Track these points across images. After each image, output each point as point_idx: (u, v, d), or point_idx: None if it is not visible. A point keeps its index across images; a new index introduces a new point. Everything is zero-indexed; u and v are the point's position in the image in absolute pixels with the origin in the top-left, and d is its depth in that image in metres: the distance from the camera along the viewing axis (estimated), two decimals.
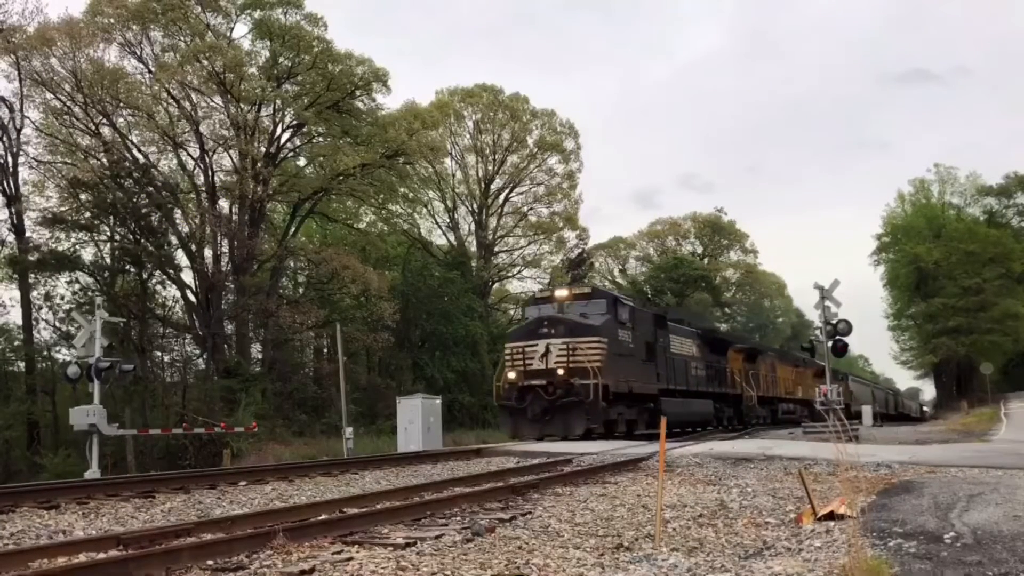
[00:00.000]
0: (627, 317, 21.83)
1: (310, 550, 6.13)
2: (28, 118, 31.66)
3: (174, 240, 33.19)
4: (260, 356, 35.91)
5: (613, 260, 70.70)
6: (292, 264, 38.87)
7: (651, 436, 20.55)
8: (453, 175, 48.53)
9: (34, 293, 31.94)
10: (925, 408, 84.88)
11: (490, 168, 48.65)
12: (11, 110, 31.30)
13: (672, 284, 64.85)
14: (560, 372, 19.38)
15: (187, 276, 33.95)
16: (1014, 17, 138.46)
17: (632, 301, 24.21)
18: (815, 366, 45.82)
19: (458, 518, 7.81)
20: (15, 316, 32.48)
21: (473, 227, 49.23)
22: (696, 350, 27.63)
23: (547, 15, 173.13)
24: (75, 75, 29.88)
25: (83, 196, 31.18)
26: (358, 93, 34.32)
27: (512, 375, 20.13)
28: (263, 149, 33.25)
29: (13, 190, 31.21)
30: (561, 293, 21.75)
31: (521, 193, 50.18)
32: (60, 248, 31.83)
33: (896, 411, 62.93)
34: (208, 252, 33.02)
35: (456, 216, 49.17)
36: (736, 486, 10.31)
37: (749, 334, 62.18)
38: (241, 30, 33.85)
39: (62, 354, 32.30)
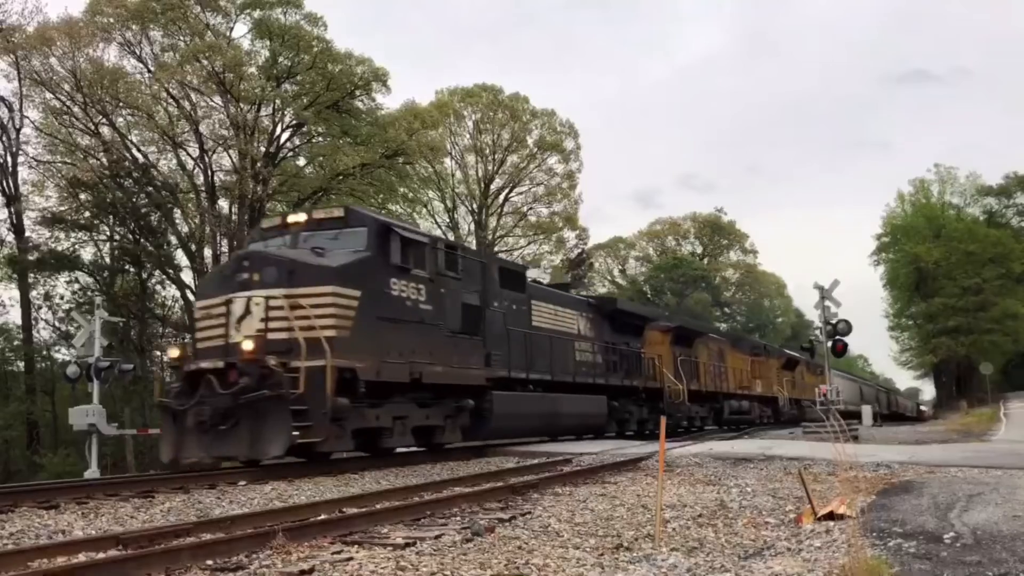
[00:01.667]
0: (416, 260, 13.73)
1: (310, 550, 6.13)
2: (28, 118, 31.71)
3: (174, 240, 33.21)
4: None
5: (613, 260, 70.78)
6: None
7: (473, 449, 16.09)
8: (453, 175, 48.54)
9: (33, 293, 31.98)
10: (923, 407, 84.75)
11: (490, 168, 48.65)
12: (11, 110, 31.35)
13: (672, 284, 64.93)
14: (248, 347, 11.41)
15: (187, 276, 33.99)
16: (1014, 17, 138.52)
17: (430, 239, 14.86)
18: (781, 355, 41.38)
19: (458, 518, 7.81)
20: (15, 316, 32.52)
21: (473, 227, 49.19)
22: (586, 326, 20.55)
23: (547, 15, 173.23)
24: (75, 75, 29.88)
25: (83, 196, 31.19)
26: (358, 93, 34.32)
27: (175, 352, 13.56)
28: (263, 149, 33.22)
29: (13, 190, 31.23)
30: (296, 218, 13.73)
31: (521, 193, 50.22)
32: (60, 248, 31.85)
33: (890, 410, 62.33)
34: (208, 252, 33.03)
35: (456, 216, 49.19)
36: (736, 486, 10.31)
37: (741, 330, 60.71)
38: (241, 30, 33.86)
39: (61, 354, 32.36)
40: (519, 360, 16.75)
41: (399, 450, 16.02)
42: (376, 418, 12.89)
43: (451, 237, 48.08)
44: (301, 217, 13.74)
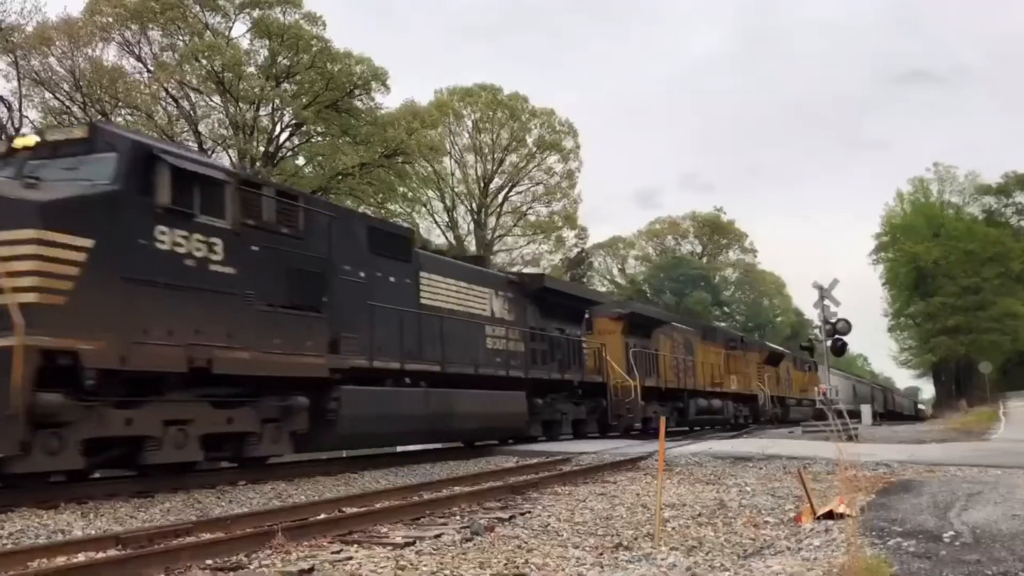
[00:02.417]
0: (206, 202, 10.36)
1: (309, 549, 6.13)
2: (27, 117, 31.62)
3: None
4: None
5: (612, 259, 70.74)
6: None
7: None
8: (452, 174, 48.54)
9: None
10: (921, 406, 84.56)
11: (489, 167, 48.65)
12: (9, 109, 31.28)
13: (671, 283, 64.91)
14: None
15: None
16: (1013, 17, 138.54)
17: (229, 174, 11.20)
18: (762, 349, 38.37)
19: (457, 517, 7.81)
20: None
21: (472, 226, 49.21)
22: (503, 307, 17.35)
23: (547, 15, 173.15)
24: (74, 74, 29.87)
25: None
26: (357, 92, 34.29)
27: None
28: (262, 148, 33.22)
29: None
30: (25, 141, 10.20)
31: (520, 192, 50.23)
32: None
33: (886, 409, 61.82)
34: None
35: (455, 215, 49.20)
36: (735, 485, 10.31)
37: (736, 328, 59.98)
38: (240, 29, 33.80)
39: None
40: (391, 346, 13.16)
41: (400, 449, 16.06)
42: (127, 423, 9.31)
43: (450, 236, 48.19)
44: (31, 140, 10.18)
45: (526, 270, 49.16)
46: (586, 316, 21.80)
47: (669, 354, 25.87)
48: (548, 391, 18.46)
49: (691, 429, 27.78)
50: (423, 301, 14.63)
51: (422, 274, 14.76)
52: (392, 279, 13.85)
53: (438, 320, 14.77)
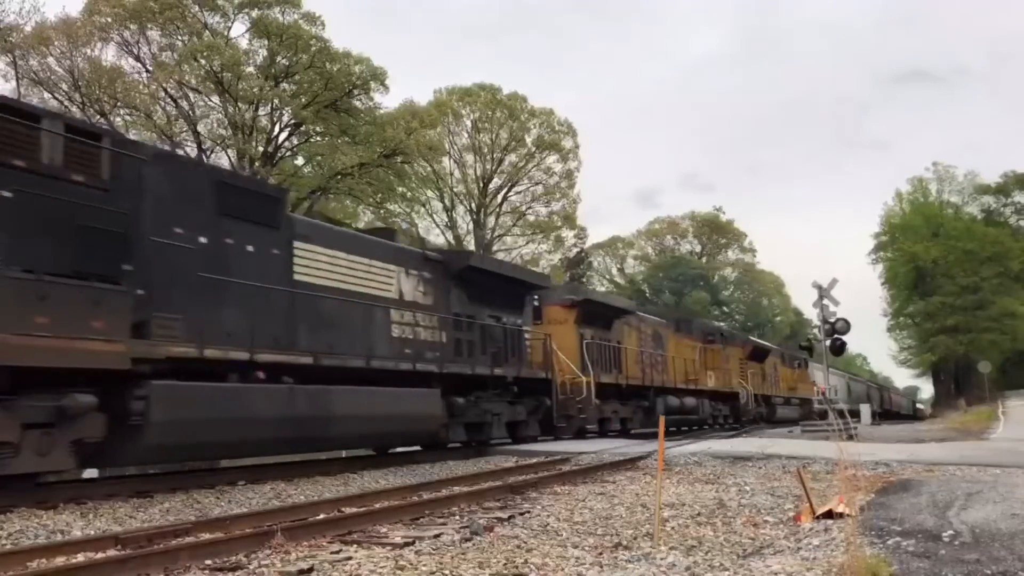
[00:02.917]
0: None
1: (309, 549, 6.13)
2: None
3: None
4: None
5: (611, 259, 70.75)
6: None
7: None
8: (451, 174, 48.51)
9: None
10: (920, 405, 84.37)
11: (488, 167, 48.63)
12: None
13: (670, 283, 64.92)
14: None
15: None
16: (1013, 17, 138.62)
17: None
18: (745, 343, 35.45)
19: (457, 517, 7.81)
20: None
21: (471, 226, 49.19)
22: (416, 289, 14.82)
23: (547, 14, 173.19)
24: (72, 74, 29.85)
25: None
26: (356, 92, 34.25)
27: None
28: (261, 148, 33.19)
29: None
30: None
31: (519, 192, 50.19)
32: None
33: (883, 408, 61.24)
34: None
35: (454, 215, 49.18)
36: (735, 485, 10.32)
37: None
38: (239, 29, 33.76)
39: None
40: (241, 331, 10.59)
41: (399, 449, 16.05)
42: None
43: (449, 236, 48.16)
44: None
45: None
46: (534, 303, 19.73)
47: (634, 347, 23.34)
48: (476, 388, 15.92)
49: (676, 431, 25.79)
50: (298, 277, 11.99)
51: (297, 244, 12.10)
52: (251, 248, 11.23)
53: (319, 301, 12.21)
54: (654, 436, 21.60)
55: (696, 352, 28.61)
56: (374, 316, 13.54)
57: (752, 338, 39.41)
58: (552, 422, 18.50)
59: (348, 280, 13.14)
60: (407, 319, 14.37)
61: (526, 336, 18.60)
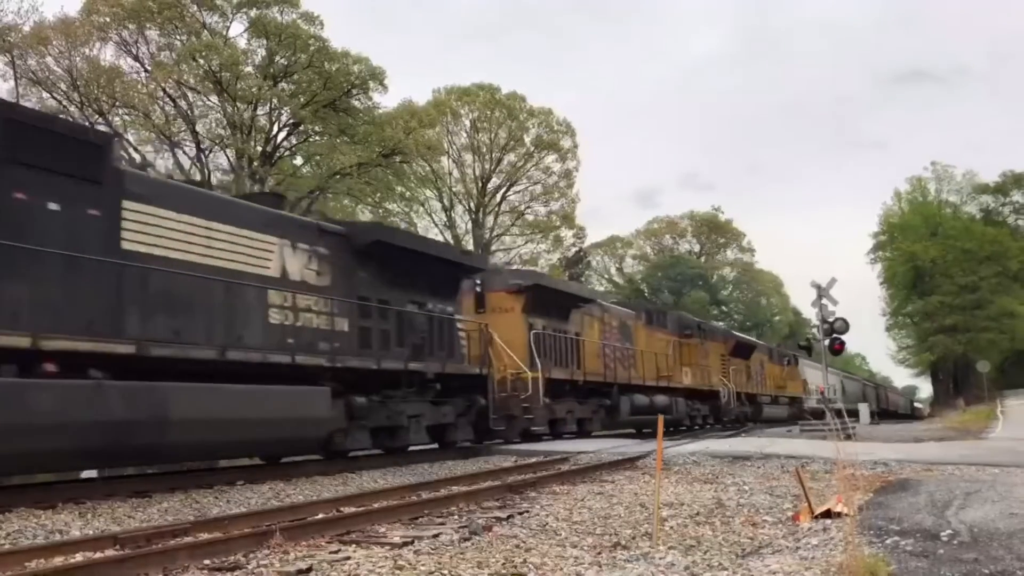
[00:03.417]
0: None
1: (307, 549, 6.13)
2: None
3: None
4: None
5: (610, 259, 70.79)
6: None
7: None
8: (450, 174, 48.51)
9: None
10: (918, 404, 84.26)
11: (487, 167, 48.64)
12: None
13: (669, 283, 64.94)
14: None
15: None
16: (1013, 17, 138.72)
17: None
18: (728, 338, 33.57)
19: (455, 517, 7.81)
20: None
21: (470, 226, 49.21)
22: (308, 266, 12.47)
23: (546, 14, 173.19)
24: (71, 74, 29.83)
25: None
26: (355, 92, 34.25)
27: None
28: (259, 148, 33.18)
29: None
30: None
31: (518, 192, 50.21)
32: None
33: (880, 407, 60.44)
34: None
35: (453, 215, 49.19)
36: (733, 484, 10.32)
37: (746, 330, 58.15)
38: (237, 29, 33.76)
39: None
40: (31, 310, 8.55)
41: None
42: None
43: (448, 236, 48.23)
44: None
45: (525, 269, 48.13)
46: (476, 290, 17.80)
47: (596, 340, 21.16)
48: (388, 386, 13.71)
49: (643, 430, 22.74)
50: (129, 246, 9.73)
51: (129, 205, 9.82)
52: (55, 206, 8.95)
53: (159, 277, 9.96)
54: (618, 437, 20.85)
55: (670, 346, 26.27)
56: (243, 298, 10.97)
57: (736, 333, 37.59)
58: (479, 429, 16.31)
59: (206, 253, 10.69)
60: (292, 303, 11.87)
61: (459, 326, 16.24)
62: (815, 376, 44.90)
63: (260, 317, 11.37)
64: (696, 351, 28.20)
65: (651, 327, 25.89)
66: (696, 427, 27.73)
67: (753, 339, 40.38)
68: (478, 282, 17.96)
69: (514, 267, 37.89)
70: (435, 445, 15.51)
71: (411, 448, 15.05)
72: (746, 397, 33.66)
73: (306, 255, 12.50)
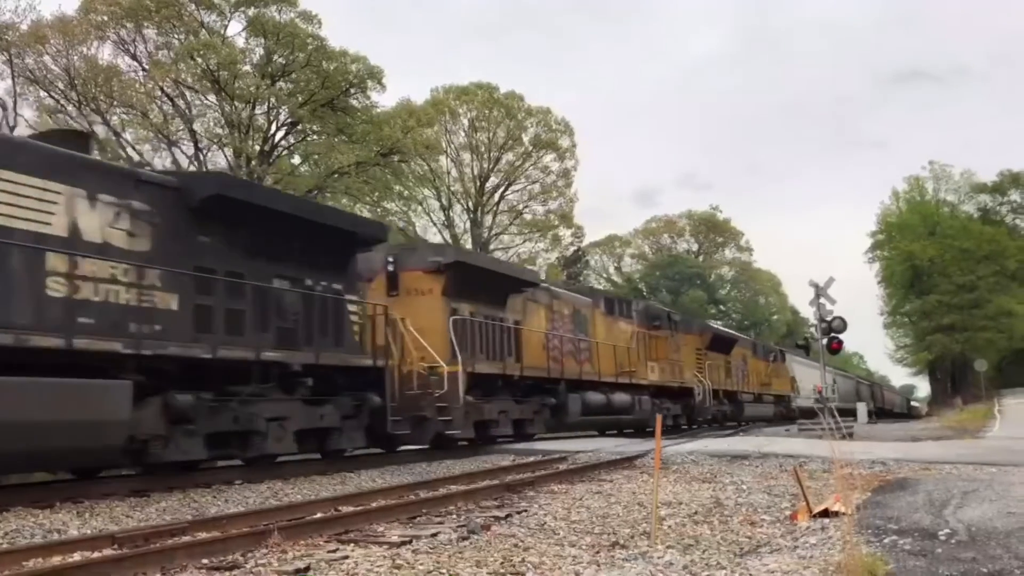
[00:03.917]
0: None
1: (305, 548, 6.13)
2: (21, 116, 31.55)
3: None
4: None
5: (609, 258, 70.84)
6: None
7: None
8: (448, 173, 48.49)
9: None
10: (915, 403, 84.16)
11: (485, 166, 48.63)
12: (4, 108, 31.19)
13: (667, 282, 65.00)
14: None
15: None
16: (1012, 17, 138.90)
17: None
18: (704, 330, 30.92)
19: (454, 516, 7.81)
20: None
21: (468, 225, 49.20)
22: (116, 224, 9.75)
23: (545, 14, 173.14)
24: (68, 73, 29.81)
25: None
26: (353, 91, 34.25)
27: None
28: (257, 147, 33.16)
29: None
30: None
31: (516, 191, 50.23)
32: None
33: (875, 406, 60.28)
34: None
35: (451, 214, 49.17)
36: (731, 483, 10.33)
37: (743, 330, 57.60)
38: (235, 28, 33.75)
39: None
40: None
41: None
42: None
43: (447, 235, 48.23)
44: None
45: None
46: (389, 268, 15.43)
47: (540, 329, 18.64)
48: (234, 381, 10.95)
49: (602, 434, 21.13)
50: None
51: None
52: None
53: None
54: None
55: (634, 339, 23.51)
56: (3, 263, 8.45)
57: (713, 325, 34.80)
58: (378, 434, 13.59)
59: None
60: (87, 271, 9.18)
61: (351, 309, 13.27)
62: (804, 373, 43.91)
63: (31, 288, 8.63)
64: (666, 344, 25.57)
65: (612, 316, 22.97)
66: (666, 428, 25.41)
67: (734, 332, 38.54)
68: (390, 259, 15.59)
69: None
70: (317, 456, 12.95)
71: (402, 449, 14.88)
72: (725, 395, 31.51)
73: (112, 211, 9.65)
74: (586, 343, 20.83)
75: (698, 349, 29.12)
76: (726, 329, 38.32)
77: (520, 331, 17.89)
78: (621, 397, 21.81)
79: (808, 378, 43.36)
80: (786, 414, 39.00)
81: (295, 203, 14.11)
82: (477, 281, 16.49)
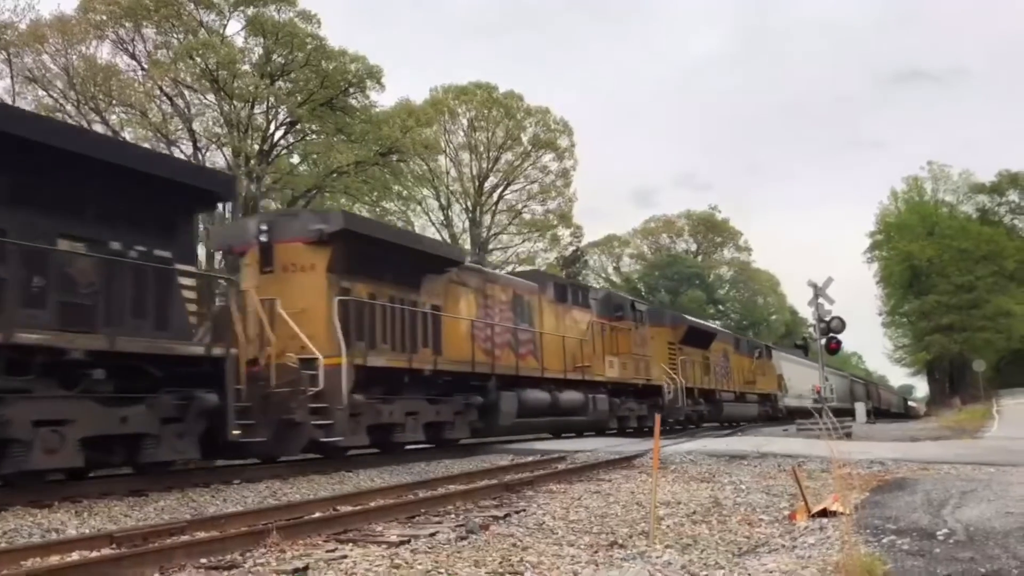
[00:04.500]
0: None
1: (304, 548, 6.13)
2: None
3: None
4: None
5: (607, 258, 70.88)
6: None
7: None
8: (447, 172, 48.53)
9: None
10: (912, 403, 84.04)
11: (484, 165, 48.65)
12: None
13: (666, 282, 65.03)
14: None
15: None
16: (1010, 17, 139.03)
17: None
18: (678, 323, 28.19)
19: (452, 516, 7.81)
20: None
21: (467, 224, 49.22)
22: None
23: (544, 13, 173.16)
24: (67, 72, 29.82)
25: None
26: (352, 90, 34.28)
27: None
28: (256, 147, 33.17)
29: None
30: None
31: (515, 191, 50.27)
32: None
33: (871, 405, 59.42)
34: (201, 250, 32.86)
35: (450, 214, 49.20)
36: (730, 483, 10.33)
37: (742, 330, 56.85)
38: (234, 27, 33.78)
39: None
40: None
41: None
42: None
43: (445, 234, 48.24)
44: None
45: (521, 268, 43.70)
46: (262, 239, 12.96)
47: (467, 316, 16.41)
48: None
49: (566, 434, 19.40)
50: None
51: None
52: None
53: None
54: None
55: (591, 330, 21.00)
56: None
57: (687, 317, 31.82)
58: (218, 441, 10.61)
59: None
60: None
61: (184, 282, 10.65)
62: (793, 370, 42.01)
63: None
64: (629, 337, 22.73)
65: (564, 305, 20.27)
66: (630, 430, 22.47)
67: (714, 326, 35.72)
68: (263, 228, 13.03)
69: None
70: (129, 470, 10.39)
71: (407, 447, 14.64)
72: (701, 393, 28.77)
73: None
74: (529, 334, 18.32)
75: (671, 343, 26.70)
76: (704, 322, 35.11)
77: (440, 318, 15.32)
78: (571, 396, 19.25)
79: (797, 376, 41.90)
80: (772, 414, 37.08)
81: (93, 141, 11.26)
82: (377, 256, 13.88)
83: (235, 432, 10.43)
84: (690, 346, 28.23)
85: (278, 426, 11.47)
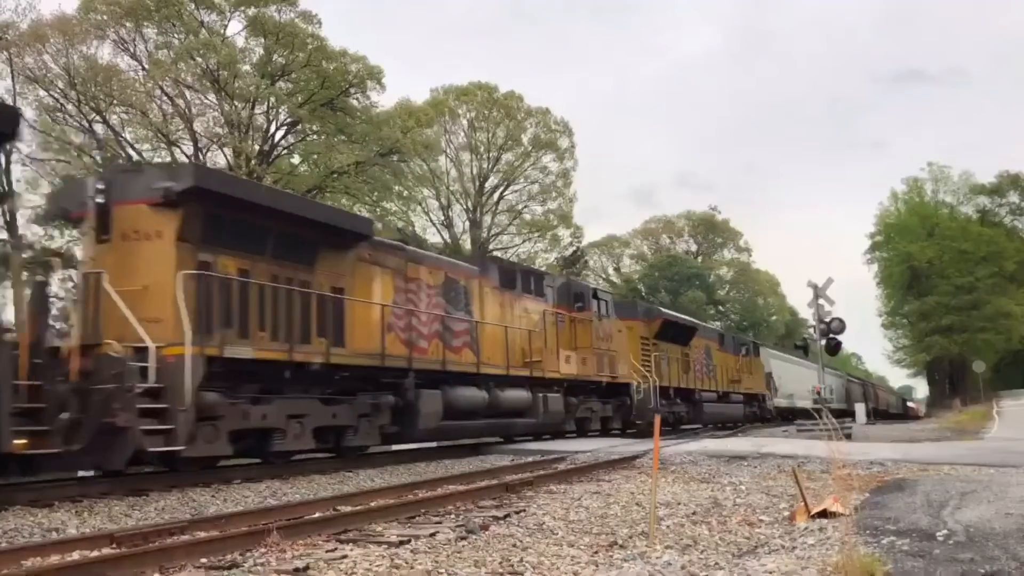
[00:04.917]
0: None
1: (304, 548, 6.13)
2: (20, 115, 31.55)
3: None
4: None
5: (607, 258, 70.88)
6: None
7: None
8: (448, 173, 48.53)
9: (27, 291, 31.84)
10: (911, 404, 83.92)
11: (484, 166, 48.66)
12: None
13: (666, 282, 65.00)
14: None
15: None
16: (1010, 17, 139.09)
17: None
18: (653, 317, 26.10)
19: (452, 516, 7.81)
20: (7, 315, 32.38)
21: (467, 225, 49.23)
22: None
23: (543, 14, 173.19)
24: (68, 72, 29.80)
25: None
26: (352, 91, 34.27)
27: None
28: (257, 147, 33.17)
29: (6, 187, 31.11)
30: None
31: (515, 191, 50.27)
32: (54, 245, 31.74)
33: (869, 406, 58.39)
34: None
35: (451, 214, 49.21)
36: (730, 484, 10.33)
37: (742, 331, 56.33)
38: (235, 27, 33.77)
39: None
40: None
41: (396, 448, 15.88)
42: None
43: (446, 235, 48.25)
44: None
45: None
46: (98, 199, 10.59)
47: (379, 301, 13.84)
48: None
49: (493, 444, 17.41)
50: None
51: None
52: None
53: None
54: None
55: (544, 320, 18.76)
56: None
57: (662, 309, 29.40)
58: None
59: None
60: None
61: None
62: (783, 369, 40.28)
63: None
64: (591, 329, 20.43)
65: (510, 292, 18.10)
66: (592, 433, 20.44)
67: (695, 320, 32.74)
68: (99, 187, 10.62)
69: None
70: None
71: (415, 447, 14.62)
72: (678, 393, 26.61)
73: None
74: (465, 324, 16.13)
75: (644, 338, 24.38)
76: (683, 315, 32.25)
77: (342, 302, 12.97)
78: (516, 395, 16.91)
79: (788, 375, 40.21)
80: (759, 416, 35.09)
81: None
82: (253, 224, 11.46)
83: (17, 442, 8.42)
84: (666, 342, 26.07)
85: (96, 432, 9.25)
